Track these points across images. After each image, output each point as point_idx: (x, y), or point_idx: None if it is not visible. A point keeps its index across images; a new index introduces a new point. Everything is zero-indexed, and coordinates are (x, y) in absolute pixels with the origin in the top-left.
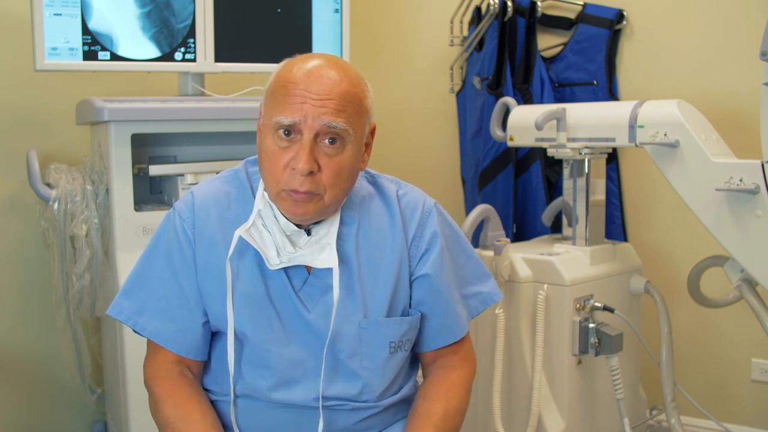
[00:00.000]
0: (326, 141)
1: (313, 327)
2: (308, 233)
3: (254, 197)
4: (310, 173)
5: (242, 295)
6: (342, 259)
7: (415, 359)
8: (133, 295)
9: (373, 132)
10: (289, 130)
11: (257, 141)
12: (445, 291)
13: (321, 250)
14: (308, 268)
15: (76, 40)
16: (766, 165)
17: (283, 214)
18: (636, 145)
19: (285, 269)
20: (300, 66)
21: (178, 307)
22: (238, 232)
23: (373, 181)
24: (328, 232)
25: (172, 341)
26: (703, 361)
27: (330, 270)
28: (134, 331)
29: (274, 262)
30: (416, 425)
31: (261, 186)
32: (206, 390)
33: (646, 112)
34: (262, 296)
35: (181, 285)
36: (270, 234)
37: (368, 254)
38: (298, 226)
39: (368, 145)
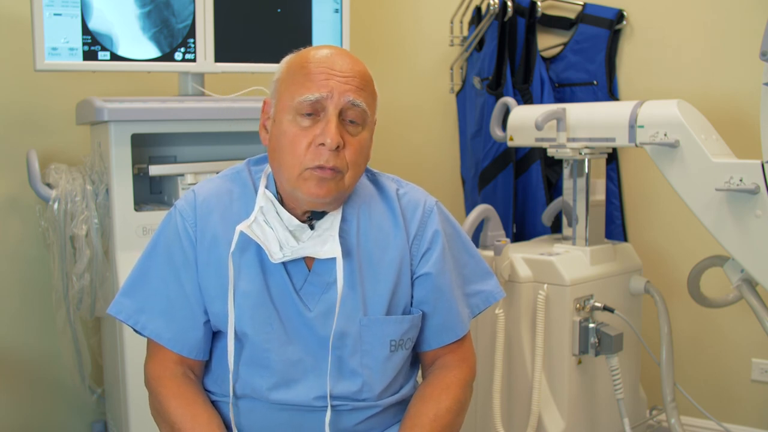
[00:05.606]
0: (348, 120)
1: (313, 326)
2: (311, 228)
3: (257, 195)
4: (337, 148)
5: (243, 293)
6: (345, 251)
7: (416, 360)
8: (134, 294)
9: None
10: (312, 110)
11: (265, 135)
12: (446, 290)
13: (324, 243)
14: (308, 266)
15: (76, 40)
16: (766, 165)
17: (287, 210)
18: (636, 145)
19: (285, 268)
20: (315, 51)
21: (179, 306)
22: (240, 228)
23: (374, 180)
24: (331, 225)
25: (173, 341)
26: (703, 361)
27: (331, 267)
28: (135, 330)
29: (277, 255)
30: (405, 428)
31: (262, 184)
32: (207, 391)
33: (646, 112)
34: (262, 295)
35: (182, 284)
36: (272, 230)
37: (368, 251)
38: (302, 221)
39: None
